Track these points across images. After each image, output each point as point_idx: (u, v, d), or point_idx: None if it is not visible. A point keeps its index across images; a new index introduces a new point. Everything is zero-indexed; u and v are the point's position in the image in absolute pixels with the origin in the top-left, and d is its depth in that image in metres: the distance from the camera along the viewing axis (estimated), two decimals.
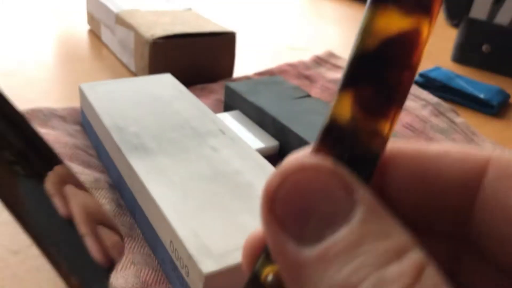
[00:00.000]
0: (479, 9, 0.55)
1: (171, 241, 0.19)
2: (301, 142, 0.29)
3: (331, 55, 0.47)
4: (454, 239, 0.11)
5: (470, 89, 0.45)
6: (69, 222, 0.12)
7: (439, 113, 0.35)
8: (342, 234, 0.08)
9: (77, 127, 0.32)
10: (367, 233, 0.08)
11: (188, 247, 0.18)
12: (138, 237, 0.23)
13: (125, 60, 0.46)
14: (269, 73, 0.44)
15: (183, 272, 0.19)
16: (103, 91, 0.30)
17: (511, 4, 0.53)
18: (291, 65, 0.45)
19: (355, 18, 0.75)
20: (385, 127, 0.09)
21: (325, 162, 0.09)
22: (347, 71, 0.09)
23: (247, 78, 0.43)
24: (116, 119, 0.27)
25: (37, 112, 0.31)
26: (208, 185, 0.22)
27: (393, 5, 0.09)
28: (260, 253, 0.10)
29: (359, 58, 0.09)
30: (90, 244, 0.12)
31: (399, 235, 0.08)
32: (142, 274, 0.20)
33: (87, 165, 0.27)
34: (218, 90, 0.40)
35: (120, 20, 0.45)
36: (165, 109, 0.29)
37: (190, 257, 0.18)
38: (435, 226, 0.10)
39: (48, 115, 0.31)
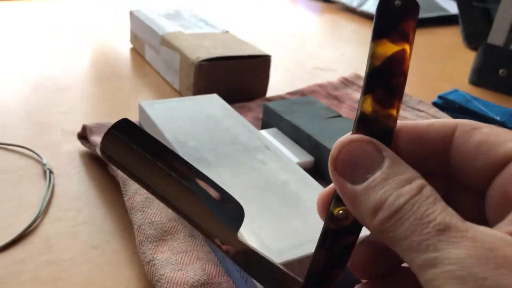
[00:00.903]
0: (497, 36, 0.58)
1: None
2: None
3: (357, 77, 0.51)
4: (443, 179, 0.17)
5: (486, 111, 0.49)
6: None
7: None
8: (377, 175, 0.15)
9: None
10: (391, 173, 0.14)
11: (250, 243, 0.22)
12: (199, 237, 0.27)
13: (169, 78, 0.50)
14: (300, 93, 0.48)
15: None
16: (161, 108, 0.34)
17: None
18: (320, 86, 0.49)
19: None
20: (394, 112, 0.15)
21: (363, 136, 0.15)
22: (365, 82, 0.15)
23: (280, 97, 0.47)
24: (176, 134, 0.31)
25: (101, 126, 0.35)
26: (262, 194, 0.26)
27: (386, 39, 0.15)
28: (329, 202, 0.16)
29: (371, 73, 0.15)
30: None
31: (409, 172, 0.15)
32: (206, 267, 0.24)
33: None
34: (255, 108, 0.44)
35: (165, 42, 0.50)
36: (216, 126, 0.33)
37: None
38: (429, 170, 0.16)
39: None
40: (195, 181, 0.18)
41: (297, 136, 0.37)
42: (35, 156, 0.35)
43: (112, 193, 0.32)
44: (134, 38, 0.60)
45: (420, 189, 0.14)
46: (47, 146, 0.36)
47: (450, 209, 0.14)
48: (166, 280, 0.23)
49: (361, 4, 0.89)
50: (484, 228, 0.13)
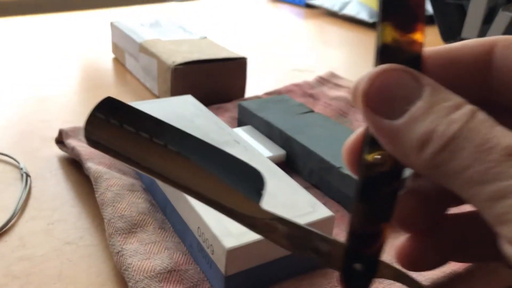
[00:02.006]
0: (470, 30, 0.60)
1: (198, 227, 0.24)
2: (304, 151, 0.34)
3: (333, 75, 0.52)
4: (483, 106, 0.14)
5: None
6: None
7: None
8: (418, 105, 0.13)
9: None
10: (434, 100, 0.13)
11: (213, 229, 0.23)
12: (169, 230, 0.27)
13: (148, 84, 0.51)
14: (277, 93, 0.49)
15: (208, 251, 0.23)
16: None
17: (498, 25, 0.57)
18: (296, 85, 0.50)
19: (357, 41, 0.81)
20: (418, 36, 0.14)
21: (395, 65, 0.13)
22: (381, 8, 0.14)
23: (257, 97, 0.48)
24: None
25: (78, 129, 0.36)
26: None
27: None
28: (358, 151, 0.15)
29: None
30: None
31: (455, 98, 0.13)
32: (174, 256, 0.25)
33: (123, 172, 0.32)
34: (232, 109, 0.45)
35: (143, 49, 0.51)
36: (187, 124, 0.34)
37: (215, 237, 0.22)
38: (465, 96, 0.14)
39: None
40: (203, 154, 0.16)
41: (269, 132, 0.38)
42: (13, 161, 0.36)
43: (88, 192, 0.32)
44: (115, 48, 0.61)
45: (473, 113, 0.12)
46: (25, 153, 0.37)
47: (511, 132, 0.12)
48: (134, 268, 0.24)
49: (342, 8, 0.91)
50: None
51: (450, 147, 0.12)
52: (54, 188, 0.33)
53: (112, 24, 0.61)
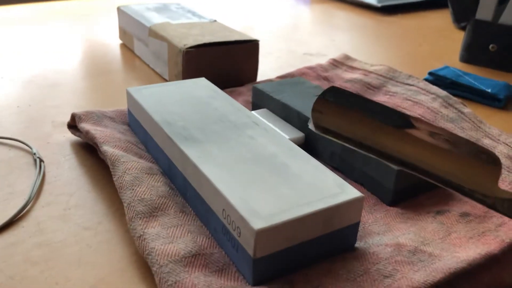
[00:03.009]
0: (484, 11, 0.58)
1: (223, 209, 0.23)
2: None
3: (347, 57, 0.50)
4: None
5: (477, 84, 0.49)
6: None
7: (448, 104, 0.38)
8: None
9: (125, 127, 0.36)
10: None
11: (240, 211, 0.22)
12: (190, 213, 0.27)
13: (158, 69, 0.50)
14: (290, 76, 0.48)
15: (235, 233, 0.22)
16: (148, 93, 0.34)
17: None
18: (310, 68, 0.49)
19: (365, 25, 0.79)
20: None
21: None
22: None
23: (270, 81, 0.47)
24: (164, 115, 0.31)
25: (90, 114, 0.35)
26: (250, 165, 0.26)
27: None
28: None
29: None
30: None
31: None
32: (198, 240, 0.24)
33: (139, 156, 0.31)
34: (245, 92, 0.44)
35: (153, 33, 0.50)
36: (204, 106, 0.33)
37: (242, 218, 0.21)
38: None
39: (100, 116, 0.35)
40: (442, 137, 0.15)
41: (286, 114, 0.37)
42: (26, 147, 0.35)
43: (103, 176, 0.32)
44: (123, 33, 0.60)
45: None
46: (38, 138, 0.36)
47: None
48: (157, 252, 0.23)
49: None
50: None
51: None
52: (68, 173, 0.32)
53: (119, 9, 0.59)
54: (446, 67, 0.53)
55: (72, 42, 0.61)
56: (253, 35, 0.69)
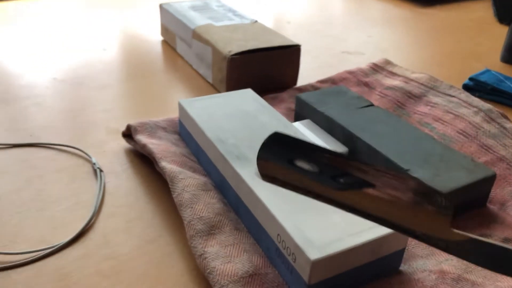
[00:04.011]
0: None
1: (278, 234, 0.25)
2: (369, 150, 0.34)
3: (387, 62, 0.51)
4: None
5: None
6: None
7: (490, 119, 0.39)
8: None
9: (176, 136, 0.38)
10: None
11: (296, 239, 0.24)
12: (243, 230, 0.29)
13: (201, 71, 0.52)
14: (331, 80, 0.49)
15: (289, 258, 0.24)
16: (199, 106, 0.36)
17: None
18: (350, 73, 0.49)
19: (403, 17, 0.78)
20: None
21: None
22: None
23: (311, 86, 0.48)
24: (216, 132, 0.33)
25: (145, 125, 0.37)
26: None
27: None
28: None
29: None
30: None
31: None
32: (253, 259, 0.26)
33: (194, 170, 0.33)
34: (287, 99, 0.45)
35: (197, 36, 0.51)
36: (252, 121, 0.34)
37: (297, 246, 0.23)
38: None
39: (154, 127, 0.37)
40: (383, 181, 0.15)
41: (330, 127, 0.38)
42: (84, 155, 0.37)
43: (159, 188, 0.34)
44: (165, 31, 0.61)
45: None
46: (93, 145, 0.39)
47: None
48: (218, 272, 0.25)
49: None
50: None
51: None
52: (126, 183, 0.34)
53: (161, 7, 0.61)
54: (487, 71, 0.53)
55: (114, 37, 0.63)
56: (289, 31, 0.70)
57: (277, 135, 0.16)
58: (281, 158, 0.16)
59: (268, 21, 0.74)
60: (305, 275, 0.23)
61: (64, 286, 0.26)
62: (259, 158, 0.16)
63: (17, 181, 0.34)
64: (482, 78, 0.51)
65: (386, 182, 0.16)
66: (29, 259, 0.27)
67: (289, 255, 0.24)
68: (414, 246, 0.28)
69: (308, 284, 0.23)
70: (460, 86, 0.53)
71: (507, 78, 0.51)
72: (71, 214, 0.31)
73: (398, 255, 0.26)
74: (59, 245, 0.28)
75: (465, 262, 0.26)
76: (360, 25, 0.74)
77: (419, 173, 0.31)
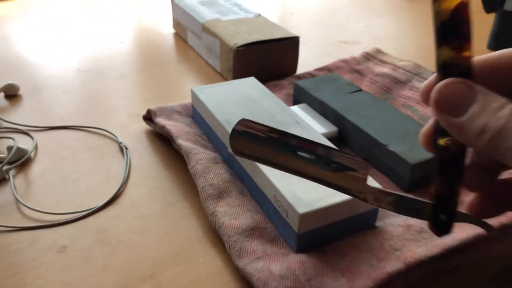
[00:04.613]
0: None
1: (274, 196, 0.31)
2: (355, 129, 0.40)
3: (378, 51, 0.56)
4: None
5: None
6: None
7: None
8: (474, 107, 0.18)
9: (190, 119, 0.44)
10: (485, 103, 0.18)
11: (288, 198, 0.29)
12: (247, 195, 0.34)
13: (211, 61, 0.57)
14: (327, 69, 0.54)
15: (283, 214, 0.30)
16: (209, 92, 0.42)
17: None
18: (344, 61, 0.55)
19: (401, 7, 0.83)
20: (469, 52, 0.18)
21: (455, 79, 0.18)
22: (438, 35, 0.18)
23: (309, 73, 0.53)
24: (224, 115, 0.38)
25: (163, 109, 0.43)
26: None
27: None
28: (431, 137, 0.20)
29: (442, 26, 0.18)
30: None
31: (500, 99, 0.18)
32: (255, 217, 0.32)
33: (205, 147, 0.39)
34: (287, 85, 0.51)
35: (206, 29, 0.57)
36: (256, 106, 0.40)
37: (289, 204, 0.29)
38: (507, 93, 0.19)
39: (170, 111, 0.43)
40: (315, 152, 0.21)
41: (323, 110, 0.44)
42: (111, 136, 0.43)
43: (176, 163, 0.40)
44: (177, 24, 0.67)
45: None
46: (117, 127, 0.45)
47: None
48: (226, 226, 0.31)
49: None
50: None
51: (499, 135, 0.17)
52: (148, 159, 0.40)
53: (173, 2, 0.66)
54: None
55: (129, 31, 0.69)
56: (292, 21, 0.75)
57: (244, 120, 0.21)
58: (247, 137, 0.21)
59: (272, 13, 0.79)
60: (295, 226, 0.29)
61: (102, 239, 0.32)
62: (231, 138, 0.21)
63: (56, 158, 0.40)
64: None
65: (324, 154, 0.21)
66: (72, 218, 0.33)
67: (283, 211, 0.30)
68: None
69: (297, 234, 0.29)
70: None
71: None
72: (103, 184, 0.37)
73: (373, 213, 0.32)
74: (96, 208, 0.34)
75: None
76: (359, 15, 0.79)
77: (396, 147, 0.36)
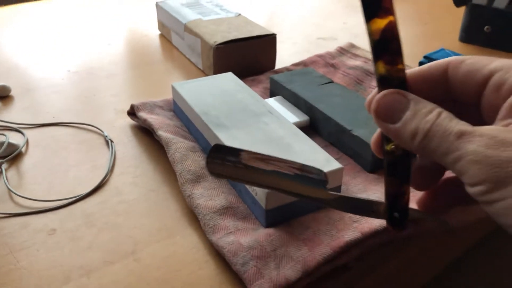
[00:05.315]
0: None
1: None
2: (324, 117, 0.43)
3: (352, 46, 0.59)
4: (450, 102, 0.22)
5: None
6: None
7: None
8: (407, 114, 0.20)
9: (171, 113, 0.47)
10: (416, 109, 0.20)
11: None
12: (223, 180, 0.37)
13: (193, 60, 0.60)
14: (303, 63, 0.57)
15: (253, 194, 0.33)
16: (188, 87, 0.45)
17: None
18: (320, 56, 0.58)
19: None
20: (401, 66, 0.21)
21: (390, 90, 0.21)
22: (373, 53, 0.20)
23: (286, 69, 0.56)
24: (202, 107, 0.41)
25: (145, 104, 0.46)
26: (264, 145, 0.36)
27: (376, 18, 0.20)
28: (380, 144, 0.23)
29: (375, 45, 0.20)
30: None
31: (429, 105, 0.20)
32: (228, 198, 0.35)
33: (185, 137, 0.42)
34: (264, 80, 0.54)
35: (188, 29, 0.60)
36: (231, 98, 0.43)
37: None
38: (438, 99, 0.21)
39: (153, 106, 0.46)
40: (278, 170, 0.25)
41: (296, 101, 0.47)
42: (98, 131, 0.46)
43: (158, 153, 0.43)
44: (162, 26, 0.70)
45: (439, 114, 0.20)
46: (105, 123, 0.48)
47: (462, 121, 0.19)
48: (201, 206, 0.34)
49: None
50: (486, 126, 0.19)
51: (428, 137, 0.19)
52: (132, 150, 0.43)
53: (157, 5, 0.69)
54: (441, 50, 0.61)
55: (116, 33, 0.72)
56: (274, 21, 0.78)
57: (218, 146, 0.25)
58: (221, 160, 0.25)
59: (254, 12, 0.82)
60: (263, 203, 0.32)
61: (88, 221, 0.35)
62: (207, 163, 0.24)
63: (47, 151, 0.43)
64: (435, 56, 0.59)
65: (286, 168, 0.26)
66: (62, 204, 0.36)
67: (253, 191, 0.33)
68: (353, 185, 0.37)
69: (265, 210, 0.32)
70: (417, 65, 0.61)
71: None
72: (90, 173, 0.40)
73: (336, 190, 0.34)
74: (83, 195, 0.37)
75: None
76: (337, 13, 0.82)
77: (359, 132, 0.39)
